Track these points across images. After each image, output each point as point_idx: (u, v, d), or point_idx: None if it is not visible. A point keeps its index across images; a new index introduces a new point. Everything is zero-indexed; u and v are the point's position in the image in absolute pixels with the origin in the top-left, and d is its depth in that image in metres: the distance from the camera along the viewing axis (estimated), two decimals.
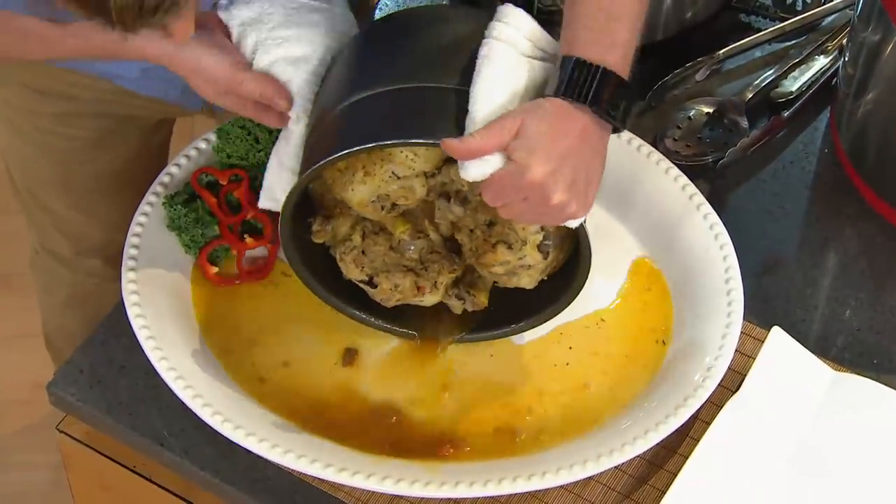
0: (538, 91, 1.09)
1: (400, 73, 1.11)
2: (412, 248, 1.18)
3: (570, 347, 1.23)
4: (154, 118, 1.45)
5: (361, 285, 1.20)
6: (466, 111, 1.07)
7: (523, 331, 1.22)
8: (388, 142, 1.07)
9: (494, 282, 1.20)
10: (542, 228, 1.13)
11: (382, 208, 1.14)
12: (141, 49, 1.14)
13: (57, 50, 1.17)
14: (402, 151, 1.11)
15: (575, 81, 1.05)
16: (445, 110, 1.08)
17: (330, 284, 1.21)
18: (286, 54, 1.15)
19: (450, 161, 1.11)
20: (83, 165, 1.44)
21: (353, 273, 1.19)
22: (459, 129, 1.06)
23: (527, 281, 1.17)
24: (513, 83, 1.07)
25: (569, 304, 1.18)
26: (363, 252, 1.19)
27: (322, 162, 1.09)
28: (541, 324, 1.21)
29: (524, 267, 1.16)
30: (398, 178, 1.12)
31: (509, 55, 1.08)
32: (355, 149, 1.07)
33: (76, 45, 1.15)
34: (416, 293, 1.20)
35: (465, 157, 1.05)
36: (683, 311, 1.24)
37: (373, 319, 1.23)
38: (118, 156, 1.45)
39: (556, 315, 1.20)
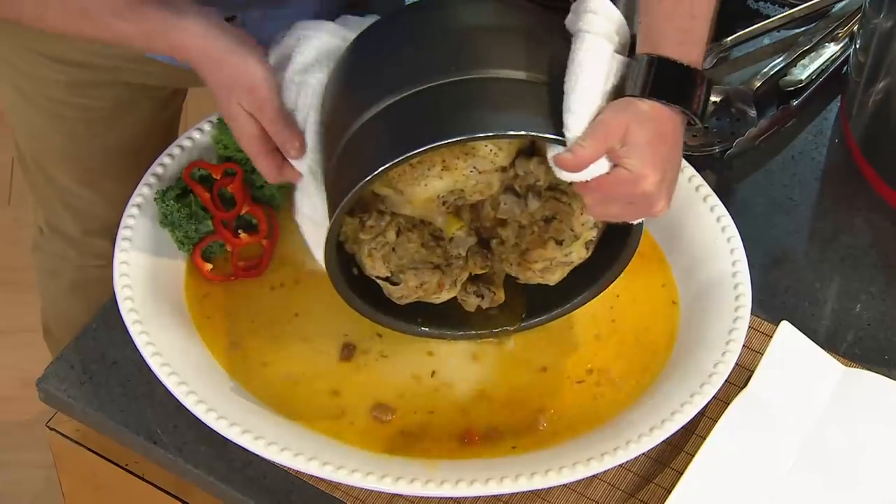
0: (620, 87, 1.08)
1: (475, 60, 1.06)
2: (462, 246, 1.16)
3: (571, 346, 1.22)
4: (168, 88, 1.44)
5: (380, 282, 1.17)
6: (560, 106, 1.05)
7: (564, 314, 1.20)
8: (490, 134, 1.03)
9: (514, 277, 1.18)
10: (596, 224, 1.13)
11: (445, 204, 1.12)
12: (183, 43, 1.11)
13: (103, 32, 1.14)
14: (486, 145, 1.08)
15: (667, 81, 1.06)
16: (540, 103, 1.05)
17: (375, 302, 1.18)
18: (313, 101, 1.12)
19: (523, 153, 1.10)
20: (94, 138, 1.43)
21: (378, 270, 1.16)
22: (558, 124, 1.04)
23: (557, 276, 1.16)
24: (605, 80, 1.06)
25: (606, 287, 1.17)
26: (393, 249, 1.16)
27: (414, 152, 1.02)
28: (575, 308, 1.20)
29: (565, 263, 1.15)
30: (479, 172, 1.09)
31: (604, 50, 1.07)
32: (449, 140, 1.02)
33: (123, 30, 1.12)
34: (436, 290, 1.18)
35: (577, 168, 1.05)
36: (689, 305, 1.23)
37: (447, 332, 1.21)
38: (130, 129, 1.44)
39: (593, 297, 1.19)
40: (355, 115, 1.07)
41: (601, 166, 1.05)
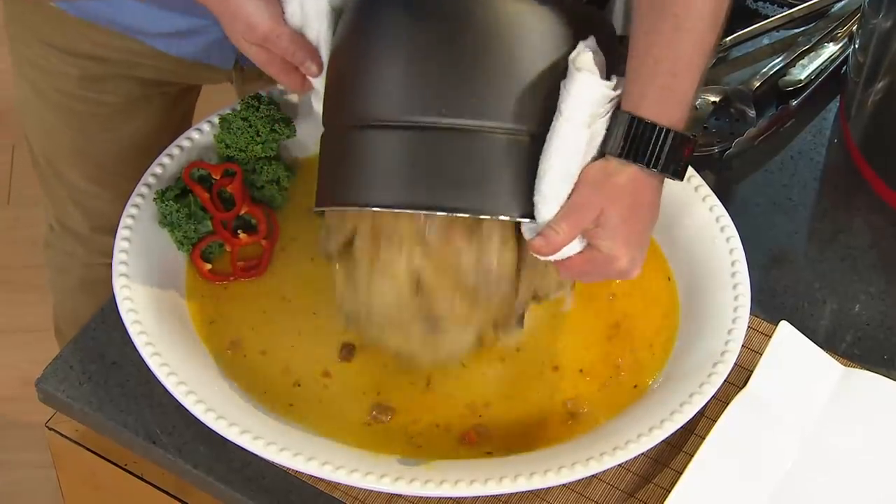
0: (597, 144, 1.07)
1: (464, 101, 1.03)
2: None
3: (570, 346, 1.22)
4: (180, 84, 1.44)
5: None
6: (532, 168, 1.05)
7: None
8: (451, 212, 1.04)
9: None
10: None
11: None
12: None
13: None
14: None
15: (644, 143, 1.05)
16: (514, 169, 1.04)
17: None
18: (318, 8, 1.12)
19: None
20: (106, 134, 1.43)
21: None
22: (527, 202, 1.05)
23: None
24: (580, 161, 1.06)
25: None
26: None
27: (370, 209, 1.05)
28: None
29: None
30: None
31: (579, 136, 1.05)
32: (409, 209, 1.04)
33: None
34: None
35: (549, 253, 1.07)
36: (689, 305, 1.23)
37: None
38: (141, 126, 1.44)
39: None
40: (357, 102, 1.07)
41: (574, 246, 1.07)
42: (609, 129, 1.06)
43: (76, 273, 1.63)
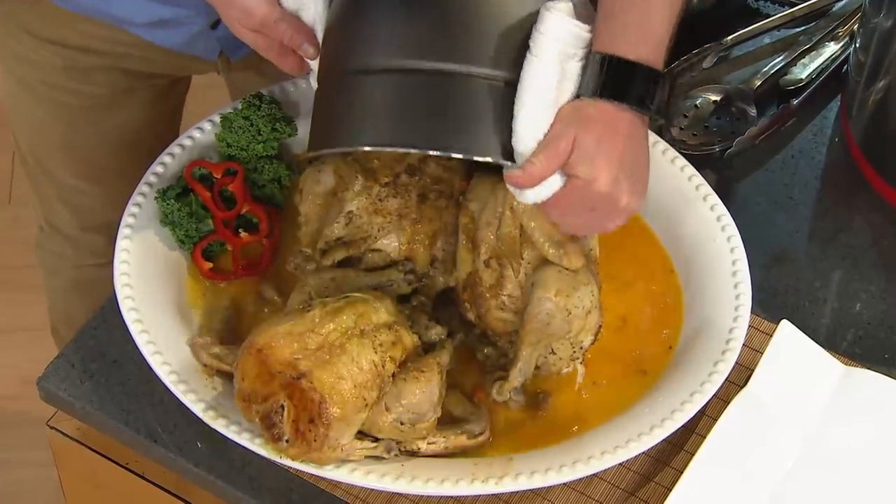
0: (574, 87, 1.08)
1: (444, 46, 1.08)
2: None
3: None
4: (168, 76, 1.44)
5: None
6: (511, 112, 1.07)
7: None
8: (435, 150, 1.07)
9: None
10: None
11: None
12: None
13: None
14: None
15: (615, 80, 1.07)
16: (493, 113, 1.07)
17: None
18: None
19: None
20: (93, 127, 1.43)
21: None
22: (505, 140, 1.07)
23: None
24: (553, 99, 1.07)
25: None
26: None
27: (364, 148, 1.11)
28: None
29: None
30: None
31: (550, 73, 1.07)
32: (391, 148, 1.09)
33: None
34: None
35: (528, 184, 1.07)
36: (690, 303, 1.23)
37: None
38: (129, 120, 1.44)
39: None
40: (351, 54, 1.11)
41: (555, 181, 1.07)
42: (582, 71, 1.08)
43: (67, 274, 1.62)
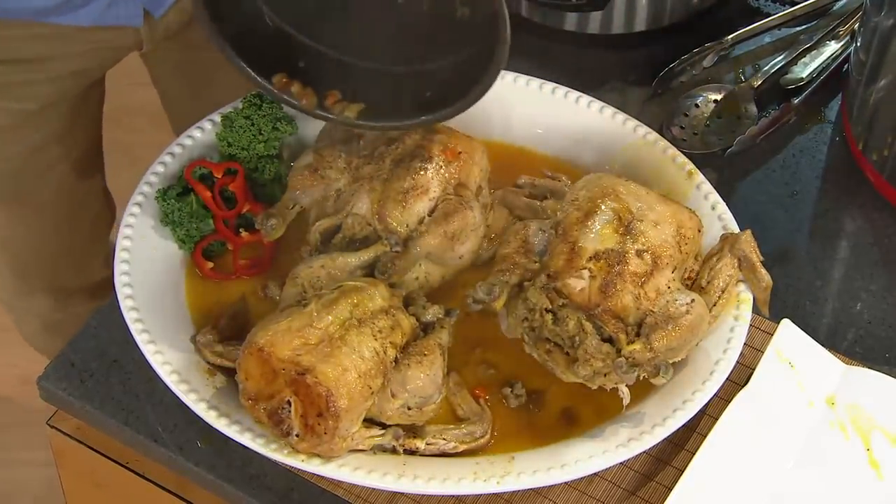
0: None
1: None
2: None
3: None
4: (83, 71, 1.41)
5: None
6: None
7: (431, 122, 1.20)
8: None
9: None
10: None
11: None
12: None
13: None
14: None
15: None
16: None
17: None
18: None
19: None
20: (11, 145, 1.40)
21: None
22: None
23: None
24: None
25: (479, 97, 1.16)
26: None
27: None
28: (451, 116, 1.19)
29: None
30: None
31: None
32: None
33: None
34: None
35: None
36: None
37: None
38: (51, 135, 1.42)
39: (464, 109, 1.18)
40: None
41: None
42: None
43: (34, 322, 1.61)
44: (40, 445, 1.41)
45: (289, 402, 1.07)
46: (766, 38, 1.48)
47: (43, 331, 1.63)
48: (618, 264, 1.14)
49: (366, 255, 1.18)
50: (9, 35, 1.31)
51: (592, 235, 1.15)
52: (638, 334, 1.13)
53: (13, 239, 1.50)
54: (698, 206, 1.25)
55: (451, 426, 1.14)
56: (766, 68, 1.43)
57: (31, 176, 1.45)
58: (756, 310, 1.20)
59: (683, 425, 1.13)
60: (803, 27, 1.48)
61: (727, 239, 1.21)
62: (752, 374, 1.18)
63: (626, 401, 1.13)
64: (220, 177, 1.25)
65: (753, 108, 1.40)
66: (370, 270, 1.18)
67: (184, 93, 1.59)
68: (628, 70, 1.47)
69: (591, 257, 1.14)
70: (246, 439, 1.11)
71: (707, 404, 1.15)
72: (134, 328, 1.16)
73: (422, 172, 1.20)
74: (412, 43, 1.18)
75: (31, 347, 1.78)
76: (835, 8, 1.49)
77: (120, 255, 1.20)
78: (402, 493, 1.13)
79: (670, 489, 1.12)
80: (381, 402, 1.10)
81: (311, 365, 1.07)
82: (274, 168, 1.26)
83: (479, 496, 1.13)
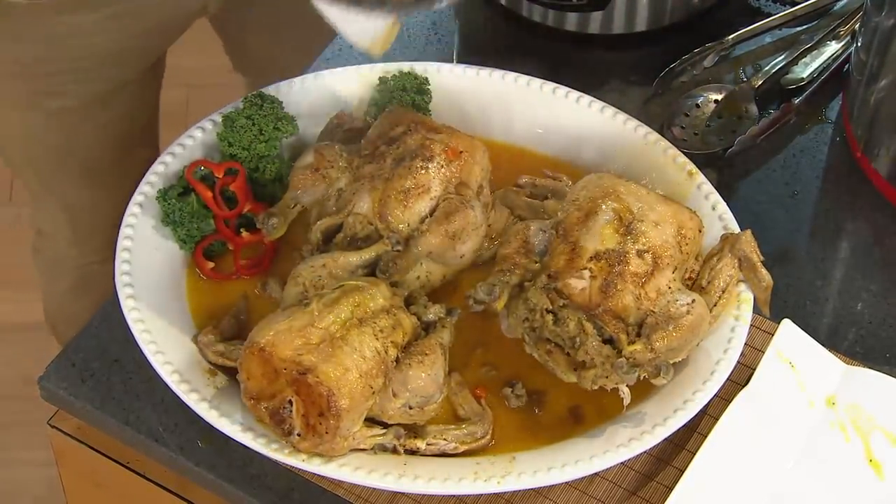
0: None
1: None
2: None
3: None
4: (151, 48, 1.43)
5: None
6: None
7: None
8: None
9: None
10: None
11: None
12: None
13: None
14: None
15: None
16: None
17: None
18: None
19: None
20: (89, 125, 1.43)
21: None
22: None
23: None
24: None
25: None
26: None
27: None
28: None
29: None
30: None
31: None
32: None
33: None
34: None
35: None
36: None
37: None
38: (120, 114, 1.45)
39: None
40: None
41: None
42: None
43: (68, 276, 1.62)
44: (40, 445, 1.41)
45: (290, 402, 1.07)
46: (767, 38, 1.48)
47: (72, 290, 1.64)
48: (618, 264, 1.14)
49: (367, 255, 1.18)
50: (79, 21, 1.32)
51: (593, 235, 1.15)
52: (638, 335, 1.13)
53: (78, 209, 1.53)
54: (699, 206, 1.25)
55: (452, 426, 1.14)
56: (766, 68, 1.43)
57: (97, 151, 1.47)
58: (756, 310, 1.20)
59: (684, 425, 1.13)
60: (804, 27, 1.48)
61: (727, 239, 1.20)
62: (752, 374, 1.18)
63: (627, 401, 1.13)
64: (220, 177, 1.25)
65: (754, 108, 1.40)
66: (371, 270, 1.18)
67: (262, 41, 1.61)
68: (628, 70, 1.46)
69: (591, 257, 1.14)
70: (247, 439, 1.11)
71: (707, 404, 1.14)
72: (135, 328, 1.16)
73: (423, 171, 1.20)
74: None
75: (47, 325, 1.79)
76: (835, 8, 1.49)
77: (121, 255, 1.20)
78: (403, 493, 1.13)
79: (671, 489, 1.12)
80: (382, 401, 1.10)
81: (313, 365, 1.07)
82: (275, 168, 1.26)
83: (479, 496, 1.13)
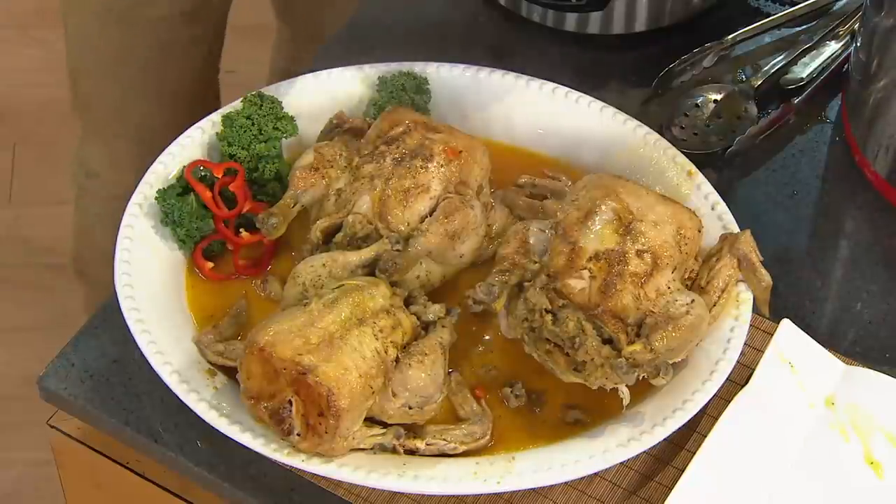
0: None
1: None
2: None
3: None
4: None
5: None
6: None
7: None
8: None
9: None
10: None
11: None
12: None
13: None
14: None
15: None
16: None
17: None
18: None
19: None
20: (173, 41, 1.51)
21: None
22: None
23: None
24: None
25: None
26: None
27: None
28: None
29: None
30: None
31: None
32: None
33: None
34: None
35: None
36: None
37: None
38: (198, 36, 1.53)
39: None
40: None
41: None
42: None
43: (97, 205, 1.64)
44: (40, 445, 1.41)
45: (290, 402, 1.07)
46: (767, 38, 1.48)
47: (99, 220, 1.67)
48: (618, 264, 1.14)
49: (367, 254, 1.18)
50: None
51: (592, 236, 1.15)
52: (638, 335, 1.13)
53: (149, 133, 1.55)
54: (698, 206, 1.25)
55: (452, 426, 1.14)
56: (766, 68, 1.43)
57: (177, 72, 1.53)
58: (756, 310, 1.20)
59: (683, 425, 1.13)
60: (803, 27, 1.48)
61: (727, 239, 1.21)
62: (752, 374, 1.18)
63: (626, 401, 1.13)
64: (220, 176, 1.25)
65: (753, 108, 1.40)
66: (371, 269, 1.18)
67: None
68: (628, 70, 1.46)
69: (591, 257, 1.14)
70: (246, 439, 1.11)
71: (707, 404, 1.14)
72: (135, 328, 1.16)
73: (423, 171, 1.20)
74: None
75: (75, 271, 1.81)
76: (835, 8, 1.49)
77: (120, 255, 1.20)
78: (403, 493, 1.13)
79: (670, 489, 1.12)
80: (382, 401, 1.10)
81: (313, 364, 1.07)
82: (274, 168, 1.26)
83: (479, 496, 1.13)
